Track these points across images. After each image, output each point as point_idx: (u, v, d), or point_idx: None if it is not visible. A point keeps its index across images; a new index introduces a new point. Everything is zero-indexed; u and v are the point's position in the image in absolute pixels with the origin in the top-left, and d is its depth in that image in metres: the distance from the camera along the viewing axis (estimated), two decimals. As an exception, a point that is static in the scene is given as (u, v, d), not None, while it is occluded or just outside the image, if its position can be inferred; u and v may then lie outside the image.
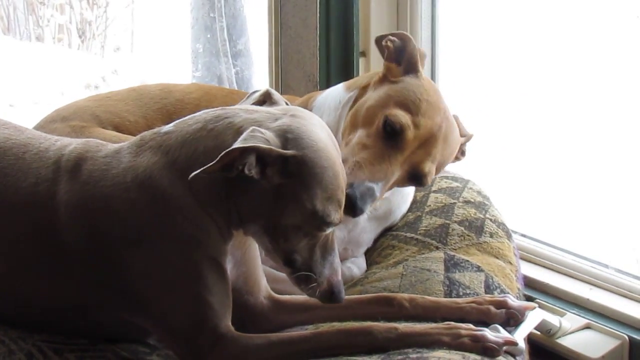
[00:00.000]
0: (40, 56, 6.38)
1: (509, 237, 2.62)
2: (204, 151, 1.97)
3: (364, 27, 3.19)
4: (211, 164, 1.88)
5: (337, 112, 2.52)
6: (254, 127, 1.94)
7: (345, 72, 3.20)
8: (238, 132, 1.96)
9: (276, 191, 1.96)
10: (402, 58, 2.43)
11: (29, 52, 6.43)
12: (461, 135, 2.49)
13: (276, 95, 2.14)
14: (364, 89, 2.48)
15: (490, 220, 2.63)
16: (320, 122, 2.06)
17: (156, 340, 2.23)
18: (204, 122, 2.03)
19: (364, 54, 3.23)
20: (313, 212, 1.96)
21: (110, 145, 2.17)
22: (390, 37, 2.44)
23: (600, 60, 2.98)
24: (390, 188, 2.38)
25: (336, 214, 1.99)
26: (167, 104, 2.77)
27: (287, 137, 1.95)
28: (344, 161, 2.26)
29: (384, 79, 2.44)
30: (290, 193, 1.96)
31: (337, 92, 2.58)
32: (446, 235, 2.56)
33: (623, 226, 2.85)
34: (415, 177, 2.37)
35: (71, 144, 2.19)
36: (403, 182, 2.38)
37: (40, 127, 2.66)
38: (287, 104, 2.14)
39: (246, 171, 1.90)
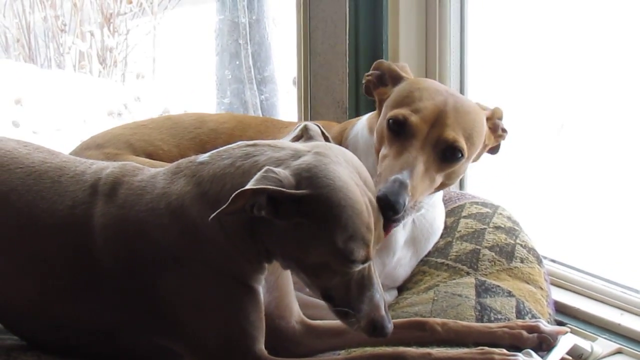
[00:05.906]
0: (62, 83, 6.40)
1: (539, 262, 2.62)
2: (230, 188, 1.96)
3: (393, 53, 3.18)
4: (225, 205, 1.88)
5: (373, 158, 2.47)
6: (268, 167, 1.93)
7: (374, 98, 3.20)
8: (260, 171, 1.96)
9: (296, 230, 1.94)
10: (386, 80, 2.49)
11: (51, 79, 6.46)
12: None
13: (313, 130, 2.13)
14: None
15: (521, 245, 2.63)
16: (348, 159, 2.04)
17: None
18: (234, 158, 2.04)
19: (392, 80, 3.23)
20: (334, 250, 1.94)
21: (146, 169, 2.19)
22: (366, 75, 2.52)
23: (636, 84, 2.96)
24: (428, 173, 2.30)
25: (361, 252, 1.95)
26: (200, 134, 2.77)
27: (302, 175, 1.93)
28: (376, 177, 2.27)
29: (380, 104, 2.48)
30: (310, 232, 1.94)
31: (367, 135, 2.56)
32: (477, 261, 2.57)
33: (653, 251, 2.84)
34: (446, 151, 2.31)
35: (108, 167, 2.21)
36: (438, 163, 2.32)
37: (75, 154, 2.66)
38: (325, 136, 2.14)
39: (255, 212, 1.90)
